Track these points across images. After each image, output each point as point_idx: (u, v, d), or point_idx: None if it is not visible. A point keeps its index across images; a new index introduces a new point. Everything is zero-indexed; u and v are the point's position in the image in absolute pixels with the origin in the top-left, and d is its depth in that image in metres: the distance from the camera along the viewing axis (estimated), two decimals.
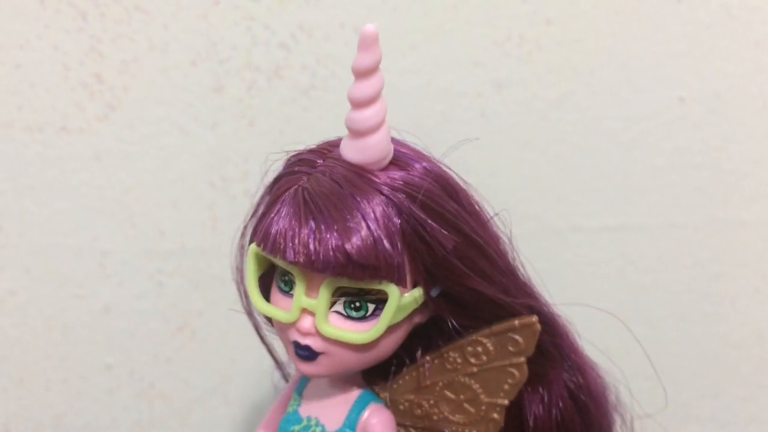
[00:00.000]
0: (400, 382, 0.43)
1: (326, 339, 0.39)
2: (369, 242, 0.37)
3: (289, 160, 0.41)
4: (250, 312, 0.47)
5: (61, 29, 0.60)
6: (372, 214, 0.37)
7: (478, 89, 0.62)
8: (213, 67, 0.61)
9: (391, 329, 0.39)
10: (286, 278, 0.39)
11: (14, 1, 0.60)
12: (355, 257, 0.36)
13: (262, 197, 0.42)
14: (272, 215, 0.38)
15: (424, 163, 0.40)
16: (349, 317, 0.39)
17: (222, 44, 0.61)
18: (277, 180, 0.41)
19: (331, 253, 0.36)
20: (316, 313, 0.38)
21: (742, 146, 0.64)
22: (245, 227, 0.44)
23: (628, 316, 0.66)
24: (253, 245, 0.39)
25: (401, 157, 0.40)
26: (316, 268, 0.37)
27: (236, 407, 0.66)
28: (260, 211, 0.41)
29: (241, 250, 0.45)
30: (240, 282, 0.46)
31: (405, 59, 0.62)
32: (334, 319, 0.39)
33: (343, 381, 0.42)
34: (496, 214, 0.43)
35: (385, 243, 0.37)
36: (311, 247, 0.36)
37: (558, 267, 0.65)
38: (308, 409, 0.43)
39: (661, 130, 0.63)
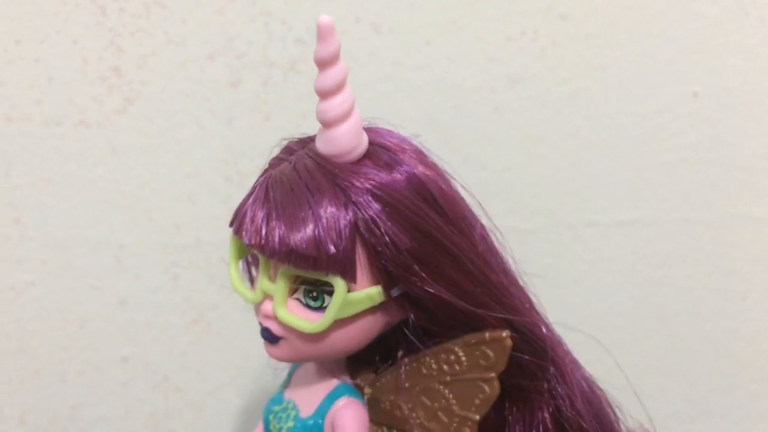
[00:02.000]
0: (383, 380, 0.43)
1: (282, 324, 0.40)
2: (312, 236, 0.37)
3: (281, 149, 0.43)
4: None
5: (80, 24, 0.61)
6: (321, 209, 0.38)
7: (492, 85, 0.63)
8: (230, 62, 0.62)
9: (344, 324, 0.39)
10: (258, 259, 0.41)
11: None
12: (297, 248, 0.37)
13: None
14: (245, 198, 0.40)
15: (405, 166, 0.40)
16: (307, 306, 0.40)
17: (239, 39, 0.61)
18: (266, 168, 0.42)
19: (277, 241, 0.37)
20: (274, 297, 0.39)
21: (754, 142, 0.64)
22: None
23: (640, 311, 0.67)
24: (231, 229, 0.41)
25: (381, 155, 0.40)
26: (265, 253, 0.38)
27: (250, 400, 0.67)
28: None
29: None
30: None
31: (419, 54, 0.62)
32: (293, 305, 0.40)
33: (325, 370, 0.43)
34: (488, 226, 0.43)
35: (329, 238, 0.37)
36: (263, 233, 0.38)
37: (570, 262, 0.66)
38: (291, 393, 0.44)
39: (673, 125, 0.64)
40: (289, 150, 0.42)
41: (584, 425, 0.42)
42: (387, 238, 0.38)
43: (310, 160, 0.39)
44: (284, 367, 0.49)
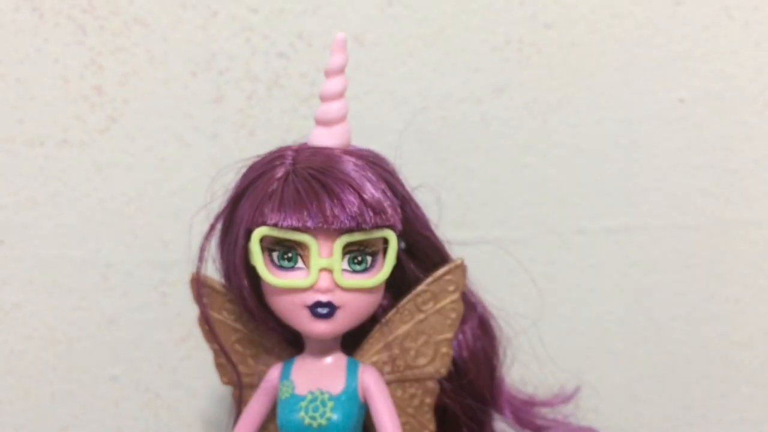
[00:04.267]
0: (366, 345, 0.48)
1: (344, 291, 0.44)
2: (377, 191, 0.44)
3: (251, 167, 0.46)
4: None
5: (61, 42, 0.60)
6: (370, 175, 0.44)
7: (478, 95, 0.62)
8: (212, 78, 0.61)
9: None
10: (289, 255, 0.44)
11: (13, 16, 0.60)
12: (371, 203, 0.43)
13: (234, 198, 0.47)
14: (273, 198, 0.43)
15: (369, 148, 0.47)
16: (353, 272, 0.44)
17: (221, 55, 0.61)
18: (253, 180, 0.45)
19: (350, 207, 0.43)
20: (334, 270, 0.43)
21: (743, 146, 0.64)
22: (213, 227, 0.48)
23: (632, 317, 0.67)
24: (261, 229, 0.43)
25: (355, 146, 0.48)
26: (340, 223, 0.43)
27: None
28: (241, 206, 0.45)
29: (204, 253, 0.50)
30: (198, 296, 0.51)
31: (404, 66, 0.62)
32: (345, 275, 0.44)
33: (328, 353, 0.47)
34: None
35: (388, 192, 0.45)
36: (330, 208, 0.42)
37: (561, 270, 0.65)
38: (305, 387, 0.46)
39: (661, 131, 0.63)
40: (278, 158, 0.45)
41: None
42: (404, 193, 0.46)
43: (327, 150, 0.45)
44: None
